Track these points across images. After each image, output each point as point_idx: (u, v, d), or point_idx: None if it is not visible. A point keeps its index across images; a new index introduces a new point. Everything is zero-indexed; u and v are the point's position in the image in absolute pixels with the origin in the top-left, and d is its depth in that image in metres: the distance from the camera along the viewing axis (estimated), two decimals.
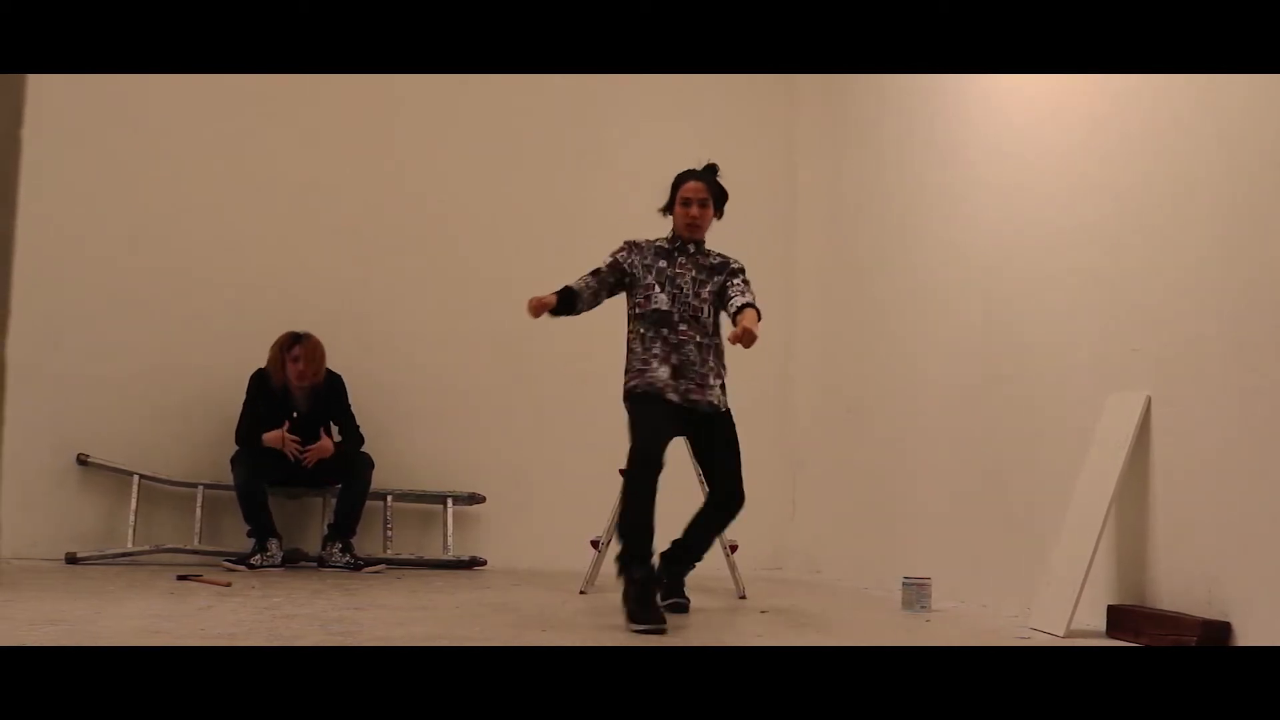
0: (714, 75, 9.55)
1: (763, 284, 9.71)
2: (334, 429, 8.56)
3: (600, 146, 9.67)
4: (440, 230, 9.31)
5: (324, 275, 9.02)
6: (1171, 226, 5.99)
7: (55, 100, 8.44)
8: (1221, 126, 5.71)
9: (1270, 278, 5.35)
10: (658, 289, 6.50)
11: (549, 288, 8.99)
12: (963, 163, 7.81)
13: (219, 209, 8.87)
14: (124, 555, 8.17)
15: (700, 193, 6.56)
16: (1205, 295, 5.74)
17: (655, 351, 6.45)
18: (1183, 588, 5.75)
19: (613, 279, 6.63)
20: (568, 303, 6.54)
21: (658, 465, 6.10)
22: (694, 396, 6.43)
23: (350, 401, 8.57)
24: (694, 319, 6.47)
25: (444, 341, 9.21)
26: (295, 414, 8.42)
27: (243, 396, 8.41)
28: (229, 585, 7.00)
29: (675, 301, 6.48)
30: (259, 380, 8.41)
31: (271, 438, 8.26)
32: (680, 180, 6.66)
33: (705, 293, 6.52)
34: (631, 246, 6.67)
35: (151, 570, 7.75)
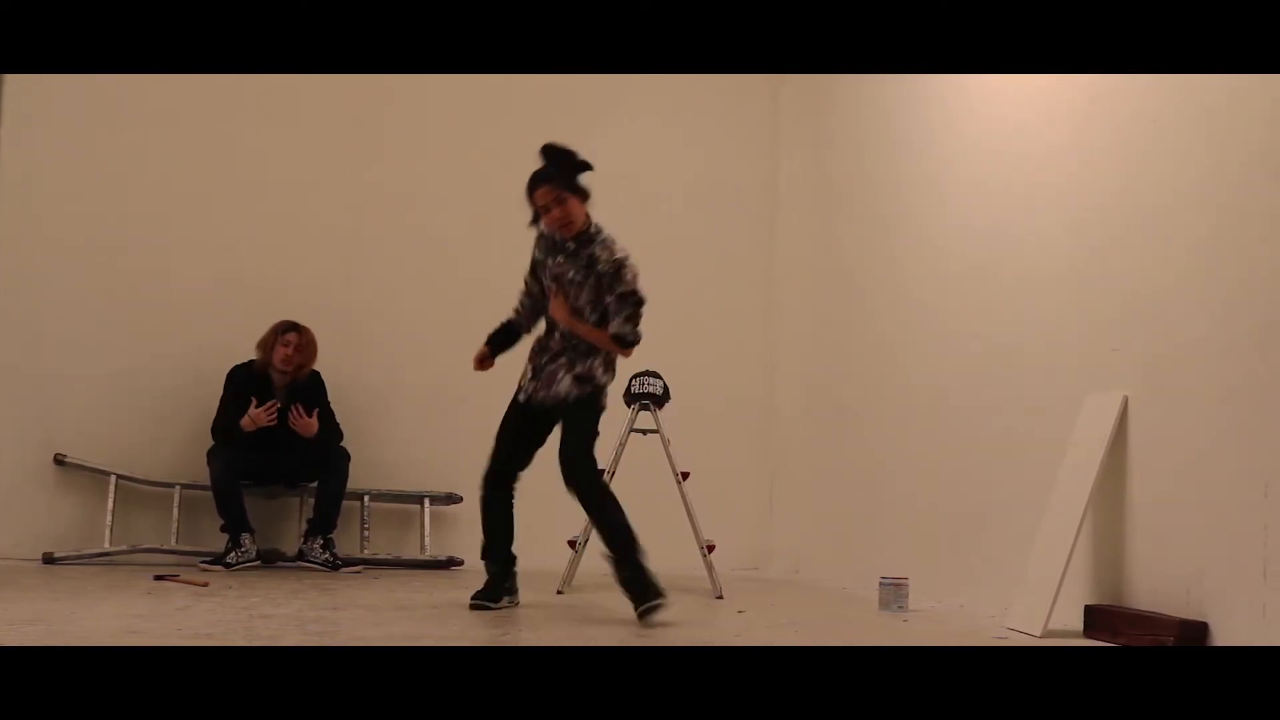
0: (698, 75, 9.55)
1: (745, 283, 9.78)
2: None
3: (584, 146, 9.62)
4: (422, 230, 9.29)
5: (305, 275, 9.00)
6: (1153, 227, 6.00)
7: (35, 100, 8.42)
8: (1205, 127, 5.72)
9: (1251, 279, 5.37)
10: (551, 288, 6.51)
11: None
12: (946, 163, 7.82)
13: (200, 209, 8.85)
14: (101, 555, 8.15)
15: (547, 196, 6.35)
16: (1185, 296, 5.75)
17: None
18: (1160, 588, 5.76)
19: (537, 287, 6.65)
20: (505, 338, 6.80)
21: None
22: (540, 394, 6.52)
23: (329, 399, 8.56)
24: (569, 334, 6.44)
25: (423, 341, 9.19)
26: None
27: (220, 396, 8.39)
28: (206, 585, 6.99)
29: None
30: (236, 376, 8.38)
31: (246, 422, 8.23)
32: (528, 193, 6.45)
33: (584, 299, 6.37)
34: (538, 239, 6.62)
35: (129, 570, 7.73)
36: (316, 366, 8.54)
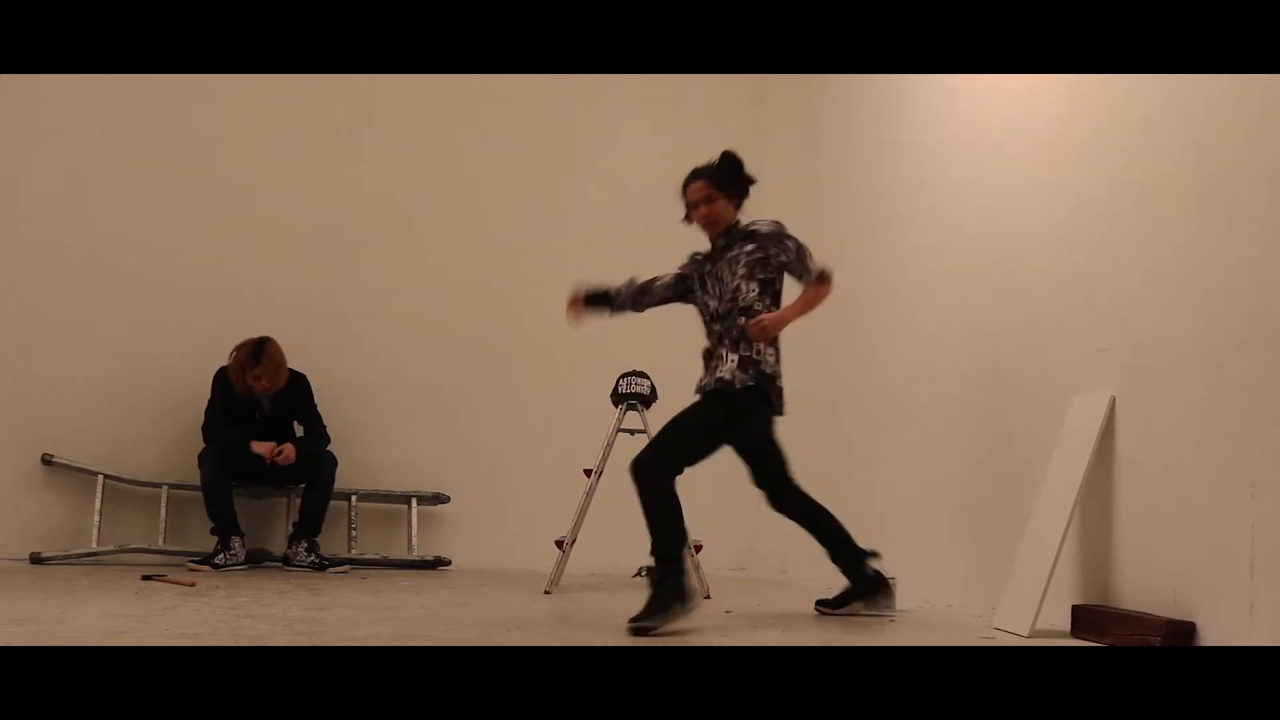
0: (684, 75, 9.56)
1: None
2: (298, 428, 8.55)
3: (571, 146, 9.66)
4: (410, 231, 9.29)
5: (292, 276, 9.00)
6: (1140, 227, 6.01)
7: (23, 100, 8.42)
8: (1190, 127, 5.73)
9: (1237, 278, 5.38)
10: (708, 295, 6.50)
11: (518, 289, 8.99)
12: (932, 163, 7.83)
13: (187, 210, 8.85)
14: (89, 555, 8.15)
15: (699, 192, 6.41)
16: (1171, 296, 5.76)
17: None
18: (1147, 588, 5.77)
19: (670, 294, 6.71)
20: (598, 300, 6.73)
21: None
22: (706, 381, 6.42)
23: (315, 401, 8.55)
24: (722, 315, 6.39)
25: (410, 342, 9.20)
26: (259, 414, 8.40)
27: (208, 399, 8.37)
28: (193, 585, 6.98)
29: (716, 299, 6.44)
30: (224, 378, 8.38)
31: (261, 449, 8.25)
32: (683, 187, 6.51)
33: (738, 277, 6.35)
34: (691, 259, 6.67)
35: (117, 570, 7.73)
36: (305, 368, 8.53)
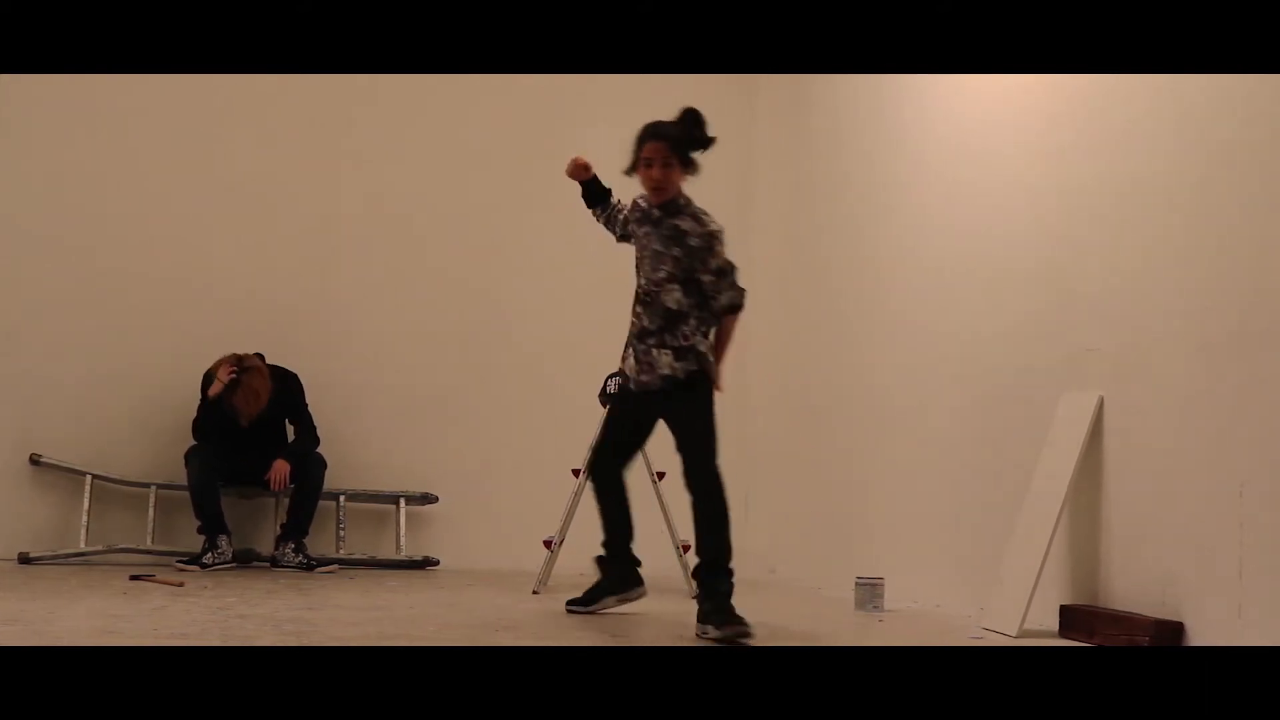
0: (672, 75, 9.55)
1: None
2: (289, 428, 8.54)
3: (560, 146, 9.60)
4: (399, 231, 9.26)
5: (280, 276, 8.97)
6: (1127, 227, 6.02)
7: (10, 100, 8.40)
8: (1177, 127, 5.75)
9: (1224, 278, 5.39)
10: (637, 263, 6.25)
11: (506, 289, 9.01)
12: (921, 163, 7.83)
13: (177, 209, 8.82)
14: (77, 555, 8.12)
15: (656, 152, 6.06)
16: (1160, 296, 5.77)
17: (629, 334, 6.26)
18: (1136, 588, 5.79)
19: (618, 229, 6.49)
20: (596, 190, 6.55)
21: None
22: (644, 378, 6.13)
23: (307, 401, 8.54)
24: (654, 308, 6.07)
25: (399, 342, 9.17)
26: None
27: (197, 398, 8.34)
28: (182, 585, 6.98)
29: (646, 276, 6.17)
30: (211, 378, 8.35)
31: (214, 389, 8.25)
32: (640, 138, 6.15)
33: (663, 272, 6.06)
34: (633, 204, 6.38)
35: (105, 570, 7.72)
36: (295, 368, 8.51)
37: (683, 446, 5.99)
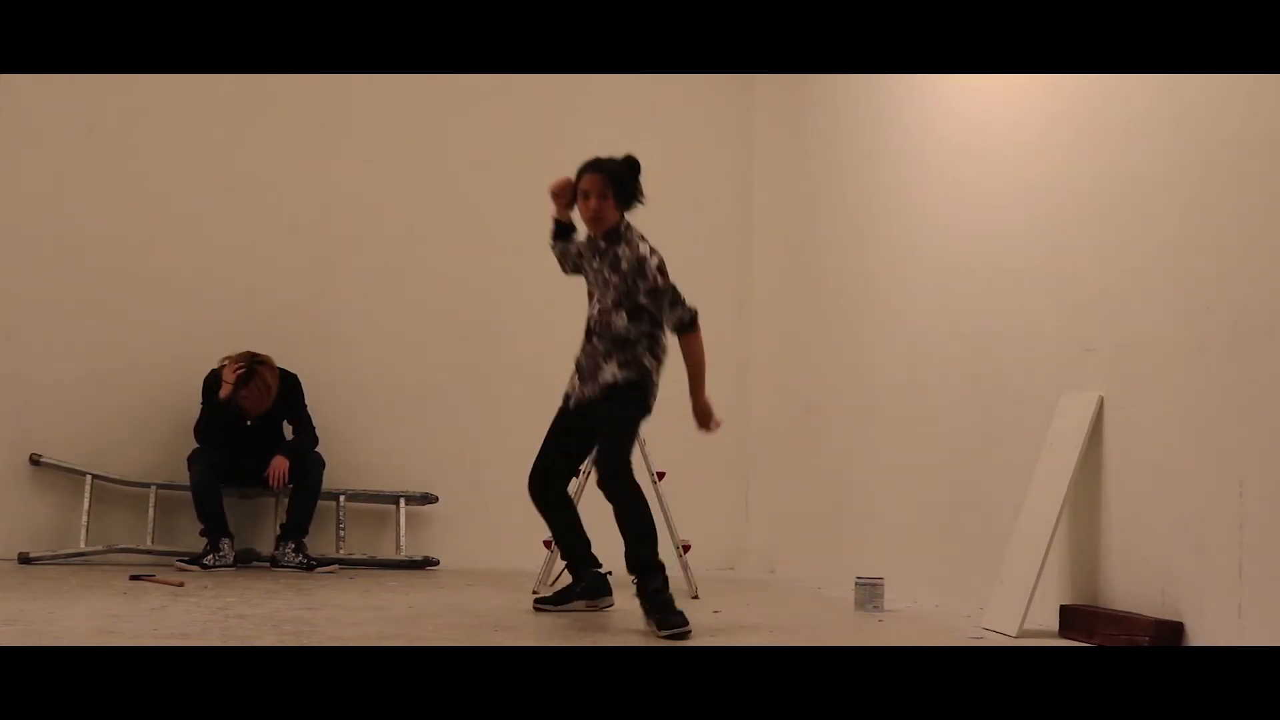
0: (671, 75, 9.54)
1: (718, 284, 9.75)
2: (287, 429, 8.54)
3: (557, 146, 9.62)
4: (396, 230, 9.26)
5: (279, 276, 8.97)
6: (1127, 227, 6.02)
7: (10, 100, 8.40)
8: (1177, 127, 5.74)
9: (1224, 278, 5.39)
10: (589, 295, 6.43)
11: (504, 289, 9.02)
12: (920, 163, 7.83)
13: (176, 209, 8.82)
14: (77, 555, 8.12)
15: (593, 184, 6.27)
16: (1160, 295, 5.77)
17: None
18: (1135, 588, 5.78)
19: (569, 263, 6.65)
20: (565, 231, 6.68)
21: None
22: (586, 390, 6.30)
23: (307, 401, 8.54)
24: (603, 332, 6.25)
25: (399, 342, 9.17)
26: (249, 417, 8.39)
27: (196, 398, 8.34)
28: (182, 585, 6.98)
29: (597, 304, 6.35)
30: (215, 382, 8.34)
31: (224, 391, 8.26)
32: (579, 171, 6.40)
33: (609, 299, 6.23)
34: (587, 239, 6.52)
35: (105, 570, 7.72)
36: (294, 368, 8.51)
37: (597, 450, 6.29)
